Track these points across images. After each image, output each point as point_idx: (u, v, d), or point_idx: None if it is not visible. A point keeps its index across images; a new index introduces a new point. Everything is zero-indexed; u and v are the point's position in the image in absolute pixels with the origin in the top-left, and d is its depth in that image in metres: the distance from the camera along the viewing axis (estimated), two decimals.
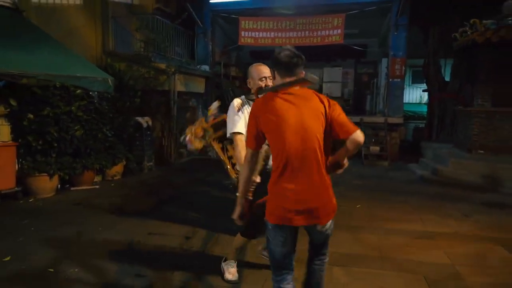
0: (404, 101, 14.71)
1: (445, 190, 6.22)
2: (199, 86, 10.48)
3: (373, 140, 10.10)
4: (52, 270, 3.06)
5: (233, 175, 3.27)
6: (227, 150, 3.52)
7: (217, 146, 3.56)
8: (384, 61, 11.11)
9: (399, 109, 10.36)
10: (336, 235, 3.08)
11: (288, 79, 1.91)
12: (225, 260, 3.08)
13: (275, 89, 1.93)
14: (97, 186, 6.22)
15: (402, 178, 7.55)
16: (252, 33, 10.85)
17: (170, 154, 8.79)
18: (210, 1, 10.76)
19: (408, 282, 2.95)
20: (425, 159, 8.71)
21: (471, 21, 7.13)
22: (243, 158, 2.16)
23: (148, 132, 7.86)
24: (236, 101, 2.86)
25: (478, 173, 6.65)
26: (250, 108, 2.69)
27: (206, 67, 10.83)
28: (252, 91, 2.78)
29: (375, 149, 9.85)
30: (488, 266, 3.27)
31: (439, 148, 8.79)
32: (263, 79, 2.69)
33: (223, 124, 3.35)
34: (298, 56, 1.90)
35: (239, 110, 2.78)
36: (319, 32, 10.54)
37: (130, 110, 7.37)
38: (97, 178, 6.55)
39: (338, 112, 1.91)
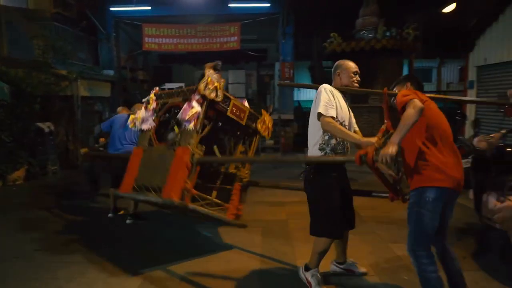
0: (304, 99, 16.70)
1: None
2: (104, 91, 10.83)
3: None
4: None
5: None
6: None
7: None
8: (277, 64, 12.64)
9: (290, 107, 11.93)
10: None
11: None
12: (307, 269, 2.84)
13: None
14: None
15: (286, 165, 8.96)
16: (155, 39, 11.53)
17: (76, 157, 9.10)
18: (111, 9, 11.13)
19: (249, 233, 4.11)
20: (307, 149, 10.32)
21: (331, 34, 8.80)
22: (343, 131, 2.50)
23: (51, 137, 8.12)
24: (329, 87, 2.71)
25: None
26: (340, 97, 2.73)
27: (110, 72, 11.21)
28: (340, 84, 2.80)
29: (270, 142, 11.27)
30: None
31: None
32: (355, 73, 2.79)
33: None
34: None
35: (333, 95, 2.64)
36: (218, 39, 11.65)
37: (30, 116, 7.60)
38: None
39: None
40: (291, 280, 3.00)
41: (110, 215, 4.81)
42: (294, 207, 5.08)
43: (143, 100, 3.92)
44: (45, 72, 8.30)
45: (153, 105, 3.74)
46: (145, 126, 3.73)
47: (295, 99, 13.46)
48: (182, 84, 12.67)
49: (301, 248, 3.64)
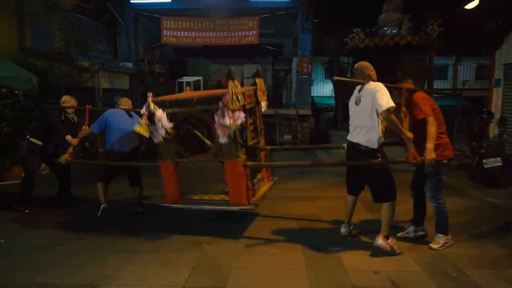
0: (318, 95, 16.61)
1: (335, 168, 7.69)
2: (123, 83, 10.89)
3: (286, 129, 11.54)
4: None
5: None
6: None
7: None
8: (295, 59, 12.57)
9: (307, 102, 11.89)
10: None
11: None
12: (387, 238, 3.34)
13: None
14: None
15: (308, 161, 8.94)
16: (174, 32, 11.52)
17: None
18: (131, 1, 11.12)
19: (287, 224, 4.16)
20: (327, 145, 10.30)
21: (354, 29, 8.71)
22: (400, 126, 3.16)
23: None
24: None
25: None
26: None
27: (129, 65, 11.24)
28: (373, 79, 3.41)
29: (288, 137, 11.28)
30: (343, 212, 4.61)
31: (340, 135, 10.45)
32: None
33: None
34: None
35: None
36: (236, 33, 11.59)
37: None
38: None
39: None
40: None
41: (104, 205, 4.46)
42: (325, 202, 5.09)
43: (141, 110, 3.80)
44: (68, 64, 8.36)
45: (161, 115, 3.63)
46: (160, 137, 3.72)
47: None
48: (200, 78, 12.71)
49: (346, 243, 3.66)
